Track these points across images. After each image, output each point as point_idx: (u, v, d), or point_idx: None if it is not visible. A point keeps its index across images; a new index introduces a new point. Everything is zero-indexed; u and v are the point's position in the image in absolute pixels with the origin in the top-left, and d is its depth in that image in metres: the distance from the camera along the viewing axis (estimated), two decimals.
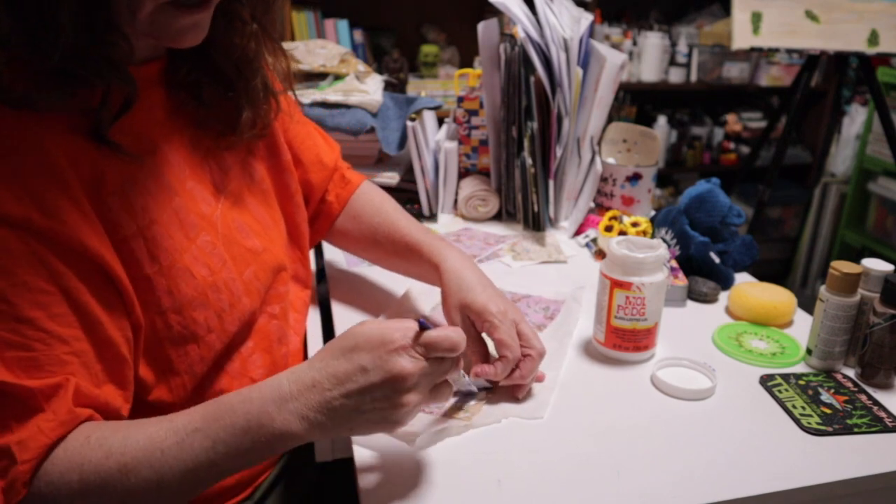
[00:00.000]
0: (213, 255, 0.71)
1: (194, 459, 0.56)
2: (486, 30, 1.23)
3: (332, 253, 1.15)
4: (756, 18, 2.03)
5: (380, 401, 0.57)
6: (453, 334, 0.60)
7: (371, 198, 0.98)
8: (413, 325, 0.59)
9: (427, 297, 1.00)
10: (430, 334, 0.59)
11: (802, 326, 0.96)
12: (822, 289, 0.83)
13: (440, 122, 1.44)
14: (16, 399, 0.54)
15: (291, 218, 0.88)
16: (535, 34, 1.16)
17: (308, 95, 1.28)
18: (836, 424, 0.74)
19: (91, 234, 0.58)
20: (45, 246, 0.55)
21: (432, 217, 1.32)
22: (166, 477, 0.56)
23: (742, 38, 2.02)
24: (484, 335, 0.80)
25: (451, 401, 0.77)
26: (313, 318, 0.98)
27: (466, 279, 0.82)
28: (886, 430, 0.74)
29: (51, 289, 0.56)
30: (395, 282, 1.04)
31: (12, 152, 0.55)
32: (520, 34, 1.16)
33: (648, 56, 2.94)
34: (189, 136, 0.73)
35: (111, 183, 0.61)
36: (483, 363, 0.77)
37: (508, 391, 0.78)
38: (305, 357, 0.92)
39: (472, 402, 0.77)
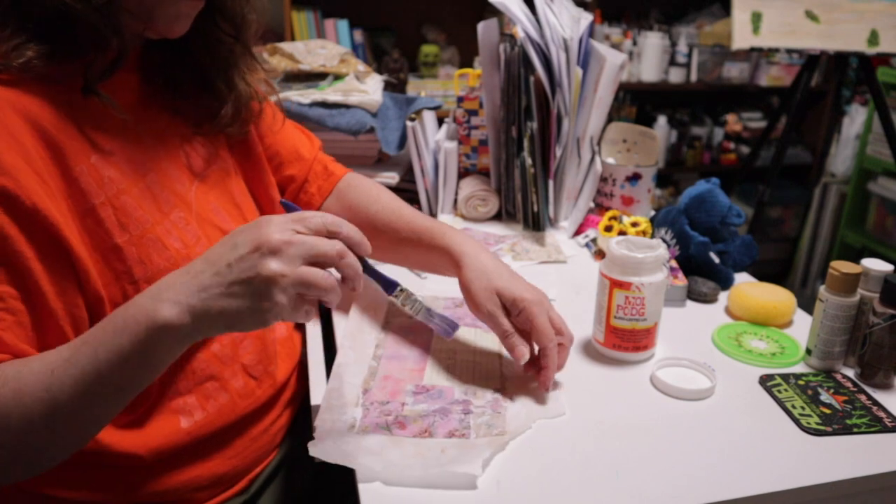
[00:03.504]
0: (187, 230, 0.72)
1: (81, 371, 0.55)
2: (486, 30, 1.23)
3: None
4: (756, 18, 2.03)
5: (245, 272, 0.55)
6: (327, 214, 0.59)
7: (367, 188, 0.97)
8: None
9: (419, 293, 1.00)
10: (305, 211, 0.59)
11: (802, 326, 0.96)
12: (822, 289, 0.83)
13: (440, 122, 1.44)
14: None
15: (266, 211, 0.88)
16: (534, 34, 1.16)
17: (308, 95, 1.28)
18: (835, 424, 0.74)
19: (47, 201, 0.59)
20: None
21: (432, 217, 1.32)
22: (58, 395, 0.55)
23: (742, 38, 2.02)
24: None
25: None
26: (313, 319, 0.97)
27: (491, 267, 0.80)
28: (886, 430, 0.74)
29: None
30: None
31: None
32: (520, 34, 1.16)
33: (648, 56, 2.94)
34: (165, 122, 0.75)
35: (76, 153, 0.63)
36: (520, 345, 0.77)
37: (529, 390, 0.79)
38: (298, 349, 0.93)
39: (494, 416, 0.75)
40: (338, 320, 0.95)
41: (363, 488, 0.65)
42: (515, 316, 0.77)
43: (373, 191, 0.97)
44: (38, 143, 0.60)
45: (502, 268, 0.81)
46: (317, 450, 0.66)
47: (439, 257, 0.86)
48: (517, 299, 0.77)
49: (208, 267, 0.56)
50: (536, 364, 0.78)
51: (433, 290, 1.01)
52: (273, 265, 0.55)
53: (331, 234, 0.59)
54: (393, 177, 1.29)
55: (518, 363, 0.77)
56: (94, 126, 0.65)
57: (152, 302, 0.56)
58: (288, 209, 0.59)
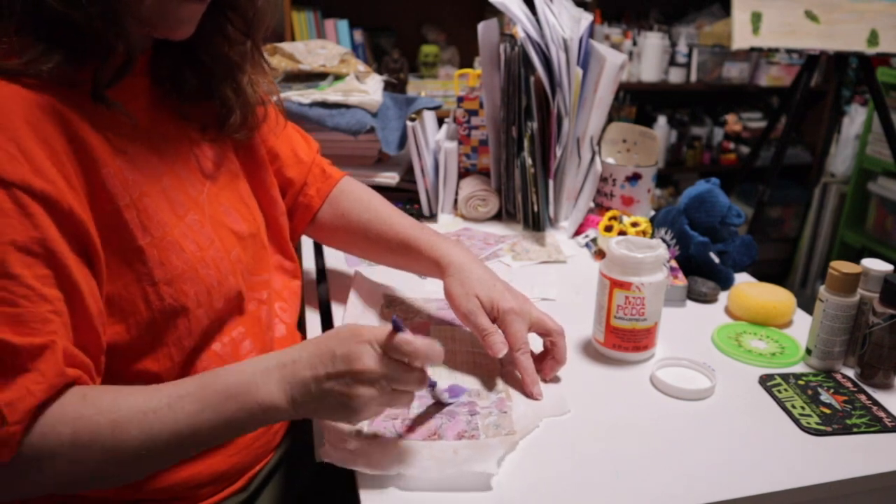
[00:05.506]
0: (201, 233, 0.73)
1: (184, 422, 0.60)
2: (486, 30, 1.23)
3: (332, 253, 1.15)
4: (756, 18, 2.03)
5: (340, 387, 0.61)
6: (420, 343, 0.62)
7: (359, 196, 0.99)
8: (387, 327, 0.63)
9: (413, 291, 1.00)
10: (399, 337, 0.61)
11: (802, 326, 0.96)
12: (822, 289, 0.83)
13: (440, 122, 1.44)
14: (1, 356, 0.55)
15: (268, 211, 0.89)
16: (534, 34, 1.16)
17: (308, 95, 1.28)
18: (835, 424, 0.74)
19: (76, 202, 0.60)
20: (42, 206, 0.57)
21: (432, 217, 1.32)
22: (154, 437, 0.59)
23: (742, 38, 2.02)
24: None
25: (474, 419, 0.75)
26: (313, 318, 0.98)
27: (475, 276, 0.84)
28: (885, 429, 0.74)
29: (38, 250, 0.57)
30: (393, 282, 1.04)
31: (6, 117, 0.57)
32: (520, 34, 1.16)
33: (648, 56, 2.94)
34: (174, 126, 0.76)
35: (104, 155, 0.64)
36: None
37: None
38: None
39: (500, 416, 0.74)
40: (337, 317, 0.95)
41: (363, 490, 0.65)
42: (493, 322, 0.81)
43: (364, 197, 0.98)
44: (67, 146, 0.61)
45: (486, 277, 0.84)
46: (327, 455, 0.67)
47: (428, 267, 0.90)
48: (494, 307, 0.81)
49: (310, 367, 0.62)
50: (540, 365, 0.81)
51: (431, 290, 1.02)
52: (364, 391, 0.61)
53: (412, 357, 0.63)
54: (393, 177, 1.29)
55: (495, 357, 0.80)
56: (114, 130, 0.66)
57: (264, 382, 0.62)
58: (395, 329, 0.62)
